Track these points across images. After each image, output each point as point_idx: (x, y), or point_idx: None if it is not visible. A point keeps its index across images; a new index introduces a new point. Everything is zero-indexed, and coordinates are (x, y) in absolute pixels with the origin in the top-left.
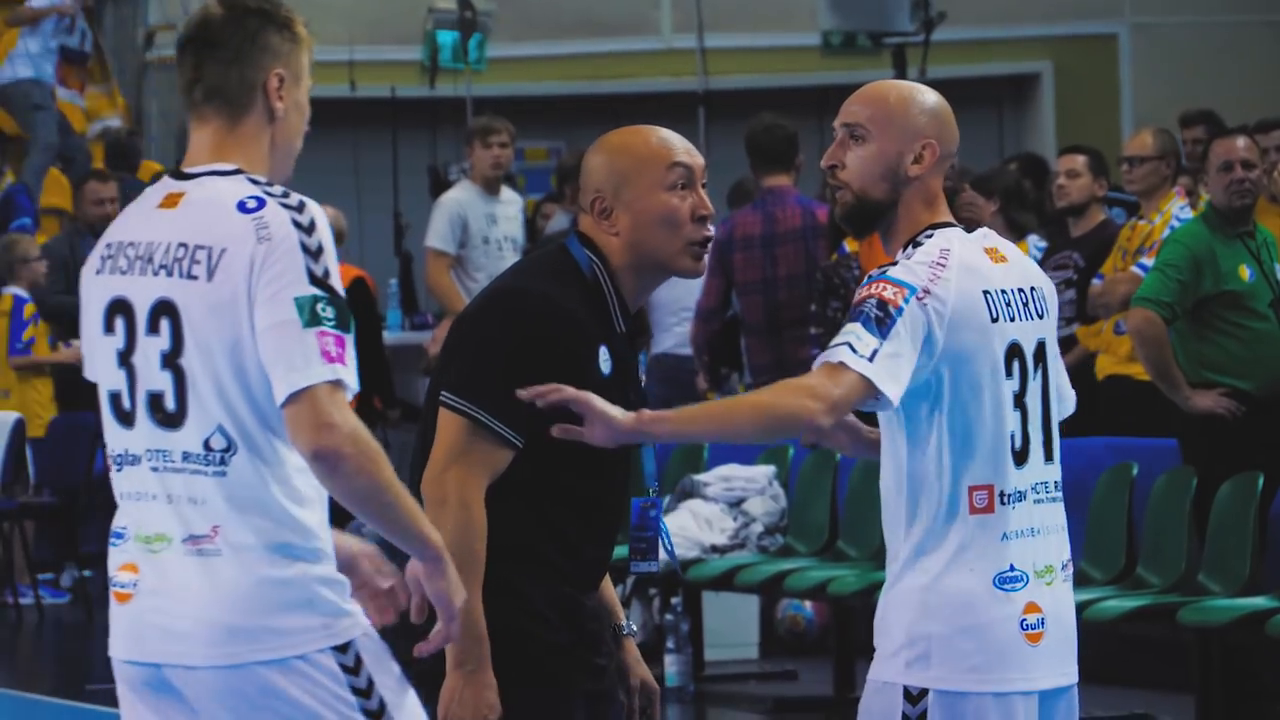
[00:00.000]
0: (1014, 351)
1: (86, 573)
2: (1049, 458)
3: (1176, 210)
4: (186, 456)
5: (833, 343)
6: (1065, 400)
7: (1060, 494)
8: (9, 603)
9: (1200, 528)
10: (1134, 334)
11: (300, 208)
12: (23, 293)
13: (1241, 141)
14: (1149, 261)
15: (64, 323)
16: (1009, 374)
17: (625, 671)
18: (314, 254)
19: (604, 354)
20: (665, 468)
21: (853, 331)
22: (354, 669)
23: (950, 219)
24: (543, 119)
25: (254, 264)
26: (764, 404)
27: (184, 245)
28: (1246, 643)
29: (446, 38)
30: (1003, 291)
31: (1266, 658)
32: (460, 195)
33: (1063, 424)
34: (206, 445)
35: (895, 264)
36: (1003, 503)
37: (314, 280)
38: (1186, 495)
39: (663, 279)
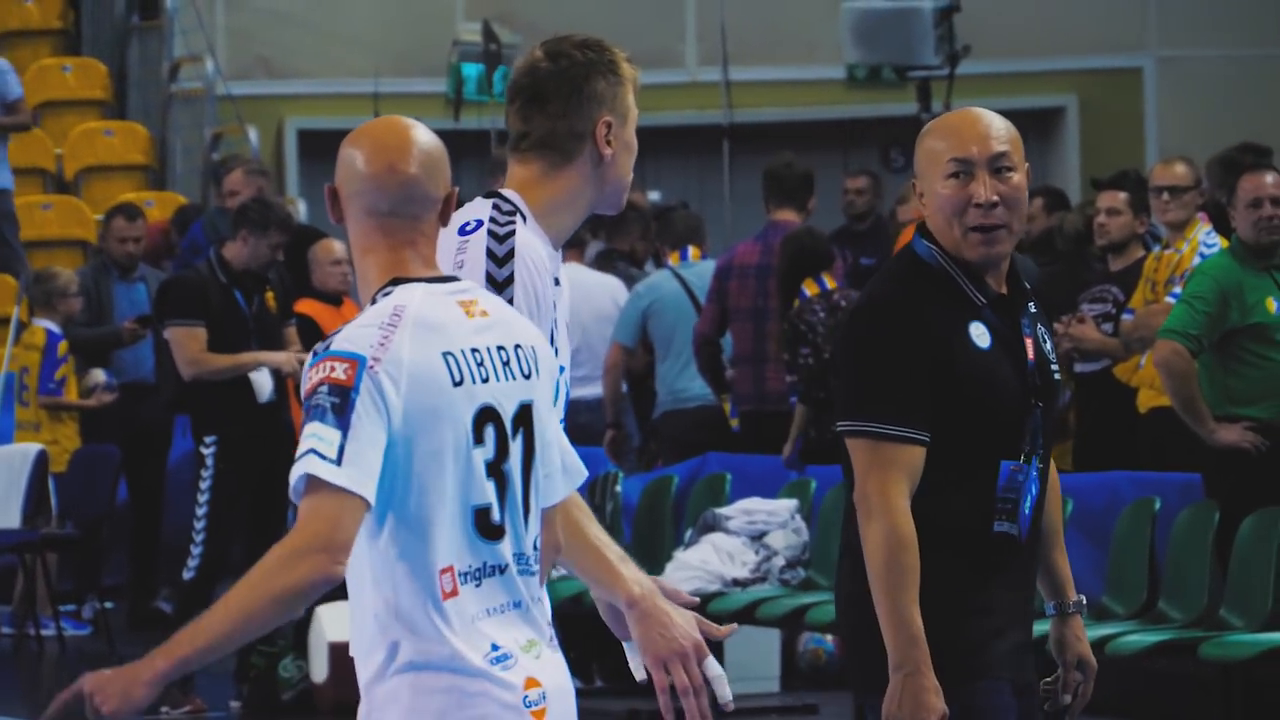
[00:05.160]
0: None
1: (108, 604)
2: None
3: (1203, 237)
4: None
5: (300, 450)
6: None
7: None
8: (30, 634)
9: (1223, 562)
10: (1160, 366)
11: (503, 238)
12: (55, 328)
13: (1270, 178)
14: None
15: (85, 355)
16: (479, 441)
17: (1065, 646)
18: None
19: (976, 329)
20: (688, 501)
21: (314, 433)
22: None
23: (409, 272)
24: None
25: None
26: (271, 586)
27: None
28: (1269, 678)
29: (471, 70)
30: (474, 351)
31: None
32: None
33: (1092, 457)
34: None
35: (338, 332)
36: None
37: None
38: (1209, 529)
39: (971, 265)
